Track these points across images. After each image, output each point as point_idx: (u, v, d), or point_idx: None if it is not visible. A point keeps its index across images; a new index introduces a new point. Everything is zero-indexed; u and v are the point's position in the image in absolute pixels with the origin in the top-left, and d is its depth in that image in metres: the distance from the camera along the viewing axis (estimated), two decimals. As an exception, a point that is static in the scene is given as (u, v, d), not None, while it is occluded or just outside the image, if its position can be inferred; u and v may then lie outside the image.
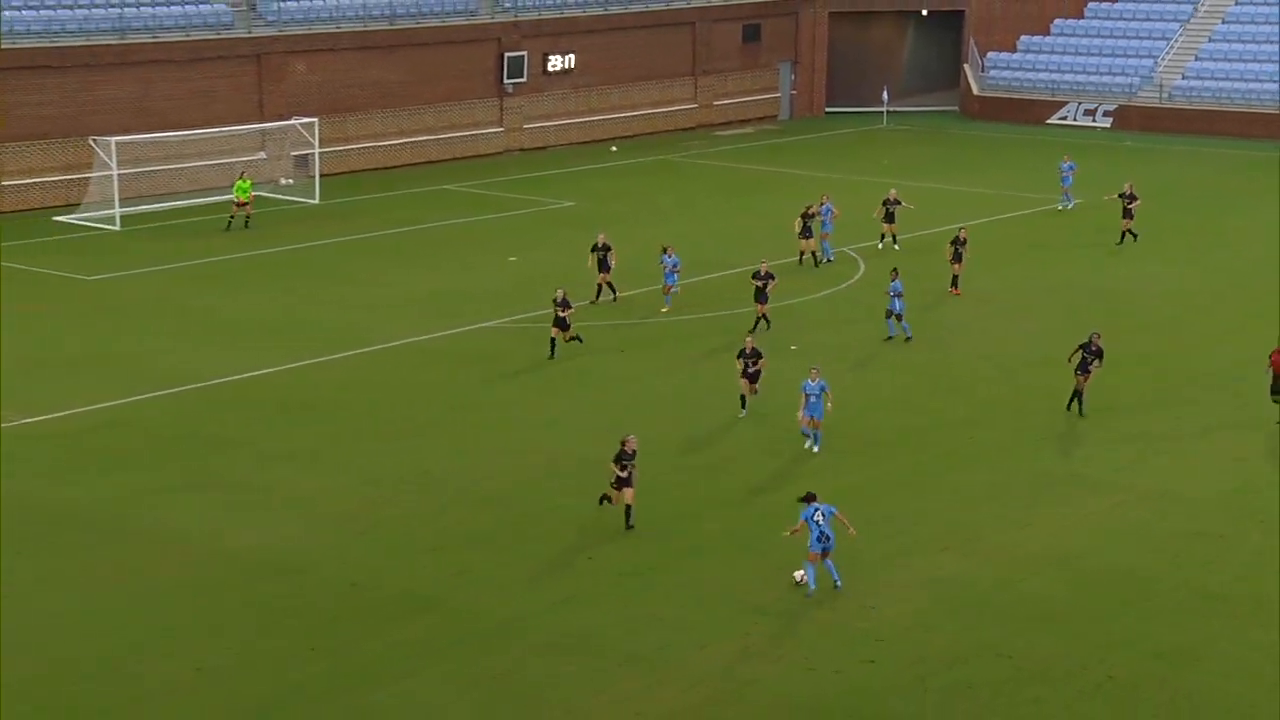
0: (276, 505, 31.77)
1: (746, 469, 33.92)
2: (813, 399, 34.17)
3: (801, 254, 51.86)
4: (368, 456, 34.53)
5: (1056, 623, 26.66)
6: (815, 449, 34.53)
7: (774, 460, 34.24)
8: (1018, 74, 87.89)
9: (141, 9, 64.60)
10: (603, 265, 46.46)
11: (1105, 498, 32.38)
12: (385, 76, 71.07)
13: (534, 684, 24.59)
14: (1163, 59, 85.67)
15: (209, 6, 66.52)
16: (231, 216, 57.94)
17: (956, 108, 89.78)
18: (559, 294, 41.26)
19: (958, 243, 48.47)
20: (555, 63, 77.00)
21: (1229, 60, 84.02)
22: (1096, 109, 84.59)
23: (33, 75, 61.02)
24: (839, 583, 27.52)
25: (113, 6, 63.85)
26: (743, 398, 36.93)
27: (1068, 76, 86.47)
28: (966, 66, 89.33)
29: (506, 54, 74.65)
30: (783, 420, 35.44)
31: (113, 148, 58.44)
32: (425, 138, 72.55)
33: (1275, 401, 36.85)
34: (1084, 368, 36.91)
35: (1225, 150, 77.12)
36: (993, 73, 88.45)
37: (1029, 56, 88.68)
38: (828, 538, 27.34)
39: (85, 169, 60.71)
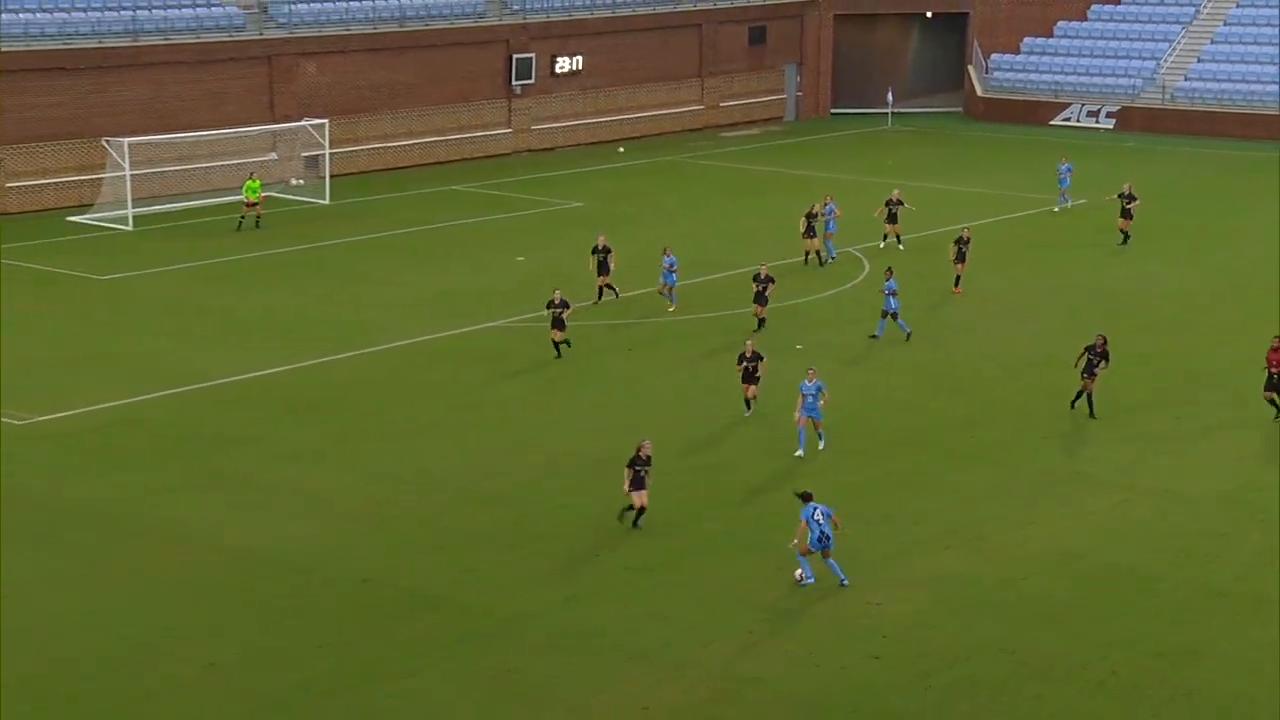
0: (283, 504, 31.85)
1: (749, 468, 33.99)
2: (809, 399, 34.16)
3: (806, 253, 52.34)
4: (373, 455, 34.63)
5: (1058, 620, 26.76)
6: (820, 446, 34.48)
7: (776, 460, 34.26)
8: (1021, 75, 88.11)
9: (154, 11, 64.96)
10: (602, 268, 46.67)
11: (1107, 496, 32.51)
12: (394, 78, 71.40)
13: (538, 681, 24.64)
14: (1165, 61, 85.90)
15: (220, 9, 66.92)
16: (242, 217, 58.26)
17: (961, 109, 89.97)
18: (556, 295, 41.40)
19: (961, 242, 48.79)
20: (563, 64, 77.28)
21: (1230, 62, 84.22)
22: (1099, 110, 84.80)
23: (46, 77, 61.43)
24: (844, 580, 27.67)
25: (125, 9, 64.22)
26: (747, 400, 36.98)
27: (1071, 78, 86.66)
28: (970, 68, 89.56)
29: (515, 56, 74.95)
30: (785, 420, 35.42)
31: (125, 148, 58.77)
32: (434, 139, 72.86)
33: (1269, 400, 36.97)
34: (1090, 370, 36.97)
35: (1227, 151, 77.26)
36: (996, 74, 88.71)
37: (1032, 58, 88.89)
38: (827, 537, 27.51)
39: (98, 169, 61.10)
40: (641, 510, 30.19)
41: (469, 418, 37.34)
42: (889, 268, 44.77)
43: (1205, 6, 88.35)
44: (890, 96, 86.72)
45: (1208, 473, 34.02)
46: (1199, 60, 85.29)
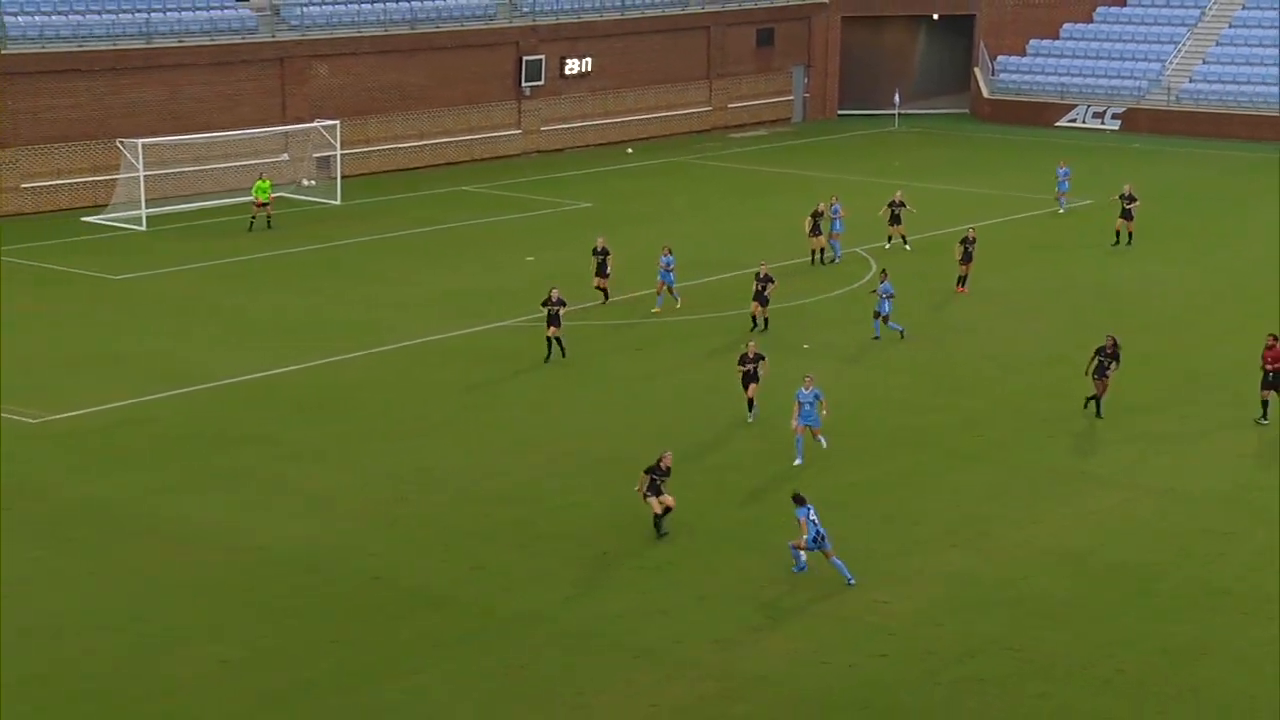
0: (288, 503, 31.83)
1: (753, 467, 34.05)
2: (806, 407, 33.74)
3: (813, 252, 52.73)
4: (380, 454, 34.66)
5: (1063, 618, 26.87)
6: (824, 446, 34.29)
7: (779, 462, 34.25)
8: (1027, 77, 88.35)
9: (168, 14, 65.28)
10: (601, 269, 46.93)
11: (1111, 495, 32.66)
12: (405, 80, 71.73)
13: (545, 678, 24.64)
14: (1170, 63, 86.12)
15: (234, 11, 67.28)
16: (253, 217, 58.57)
17: (967, 110, 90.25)
18: (553, 293, 41.41)
19: (967, 242, 49.07)
20: (572, 66, 77.55)
21: (1235, 64, 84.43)
22: (1105, 112, 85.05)
23: (61, 79, 61.82)
24: (851, 580, 27.83)
25: (140, 12, 64.54)
26: (750, 401, 36.87)
27: (1077, 79, 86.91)
28: (977, 70, 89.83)
29: (524, 57, 75.26)
30: (786, 420, 35.06)
31: (139, 149, 59.15)
32: (445, 140, 73.19)
33: (1264, 400, 37.09)
34: (1101, 372, 37.04)
35: (1231, 152, 77.46)
36: (1003, 76, 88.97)
37: (1038, 60, 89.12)
38: (823, 536, 27.68)
39: (112, 170, 61.44)
40: (667, 510, 30.02)
41: (477, 417, 37.44)
42: (883, 269, 45.03)
43: (1210, 8, 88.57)
44: (897, 98, 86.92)
45: (1211, 471, 34.16)
46: (1204, 62, 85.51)
